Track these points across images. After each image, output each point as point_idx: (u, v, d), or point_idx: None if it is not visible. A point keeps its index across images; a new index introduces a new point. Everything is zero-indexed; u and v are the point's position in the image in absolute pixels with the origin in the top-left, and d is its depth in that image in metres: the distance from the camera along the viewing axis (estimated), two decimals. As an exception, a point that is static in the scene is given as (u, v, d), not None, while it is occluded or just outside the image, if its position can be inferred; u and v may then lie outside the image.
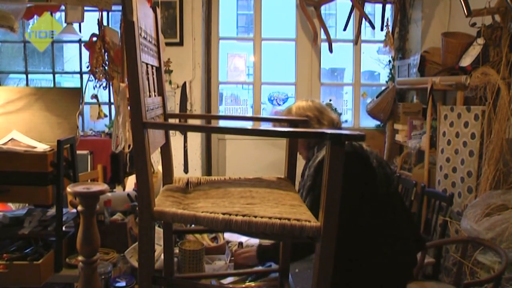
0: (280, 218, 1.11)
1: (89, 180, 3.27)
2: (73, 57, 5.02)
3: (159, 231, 1.89)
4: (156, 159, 2.24)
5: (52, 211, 2.03)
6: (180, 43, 4.21)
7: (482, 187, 2.90)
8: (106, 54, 2.18)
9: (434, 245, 2.84)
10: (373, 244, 1.73)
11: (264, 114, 5.21)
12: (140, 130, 1.19)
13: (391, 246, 1.75)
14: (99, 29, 2.22)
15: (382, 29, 4.21)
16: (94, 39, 2.22)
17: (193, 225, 1.97)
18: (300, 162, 1.79)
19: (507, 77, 2.91)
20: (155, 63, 1.53)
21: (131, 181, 2.59)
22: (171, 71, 4.21)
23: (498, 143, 2.85)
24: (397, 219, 1.81)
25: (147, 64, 1.38)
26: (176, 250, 1.93)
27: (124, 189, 2.66)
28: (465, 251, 2.75)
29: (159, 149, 1.61)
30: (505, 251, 2.35)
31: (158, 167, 2.52)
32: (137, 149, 1.20)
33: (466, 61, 3.36)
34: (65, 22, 3.16)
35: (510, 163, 2.87)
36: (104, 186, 1.42)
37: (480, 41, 3.24)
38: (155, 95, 1.53)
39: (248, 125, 4.41)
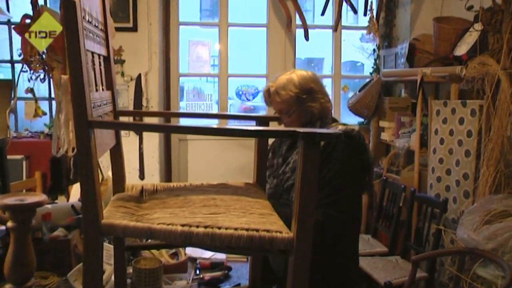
0: (247, 229, 1.13)
1: (24, 190, 3.20)
2: (1, 42, 4.87)
3: (109, 248, 1.88)
4: (106, 163, 2.22)
5: (-27, 228, 1.99)
6: (134, 29, 4.17)
7: (481, 191, 2.94)
8: (43, 39, 2.14)
9: (427, 257, 2.89)
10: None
11: (231, 111, 5.21)
12: (85, 130, 1.19)
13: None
14: (33, 9, 2.17)
15: (365, 14, 4.24)
16: (28, 21, 2.17)
17: (149, 240, 1.96)
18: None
19: (508, 67, 2.91)
20: (103, 52, 1.53)
21: (76, 190, 2.56)
22: (123, 61, 4.17)
23: (498, 142, 2.87)
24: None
25: (92, 52, 1.38)
26: (130, 270, 1.92)
27: (68, 200, 2.63)
28: (462, 263, 2.78)
29: (108, 152, 1.61)
30: (508, 263, 2.36)
31: (108, 173, 2.50)
32: (81, 153, 1.20)
33: (461, 50, 3.40)
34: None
35: (512, 164, 2.91)
36: (42, 197, 1.41)
37: (478, 26, 3.27)
38: (103, 89, 1.53)
39: (213, 123, 4.41)
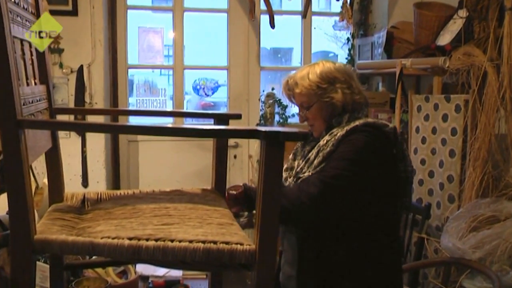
0: (204, 242, 1.13)
1: None
2: None
3: (44, 268, 1.85)
4: (40, 169, 2.18)
5: None
6: (74, 12, 4.11)
7: (467, 195, 3.00)
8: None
9: (409, 269, 2.92)
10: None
11: (188, 108, 5.19)
12: (13, 130, 1.17)
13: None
14: None
15: (337, -1, 4.29)
16: None
17: (93, 257, 1.94)
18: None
19: (496, 58, 2.98)
20: (35, 39, 1.50)
21: (4, 201, 2.50)
22: (62, 50, 4.10)
23: (485, 140, 2.94)
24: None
25: (22, 40, 1.36)
26: (70, 293, 1.90)
27: (-5, 213, 2.57)
28: (447, 275, 2.82)
29: (44, 156, 1.59)
30: (497, 274, 2.41)
31: (44, 180, 2.46)
32: (9, 157, 1.18)
33: (444, 39, 3.46)
34: None
35: (501, 165, 2.97)
36: (-39, 210, 1.36)
37: (462, 13, 3.32)
38: (35, 83, 1.51)
39: (168, 122, 4.38)
